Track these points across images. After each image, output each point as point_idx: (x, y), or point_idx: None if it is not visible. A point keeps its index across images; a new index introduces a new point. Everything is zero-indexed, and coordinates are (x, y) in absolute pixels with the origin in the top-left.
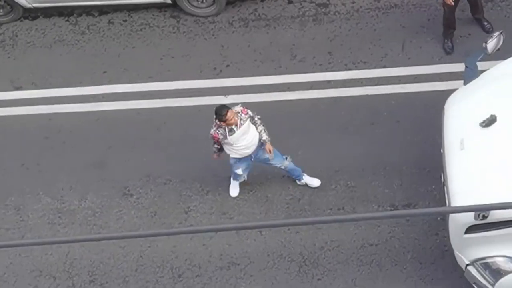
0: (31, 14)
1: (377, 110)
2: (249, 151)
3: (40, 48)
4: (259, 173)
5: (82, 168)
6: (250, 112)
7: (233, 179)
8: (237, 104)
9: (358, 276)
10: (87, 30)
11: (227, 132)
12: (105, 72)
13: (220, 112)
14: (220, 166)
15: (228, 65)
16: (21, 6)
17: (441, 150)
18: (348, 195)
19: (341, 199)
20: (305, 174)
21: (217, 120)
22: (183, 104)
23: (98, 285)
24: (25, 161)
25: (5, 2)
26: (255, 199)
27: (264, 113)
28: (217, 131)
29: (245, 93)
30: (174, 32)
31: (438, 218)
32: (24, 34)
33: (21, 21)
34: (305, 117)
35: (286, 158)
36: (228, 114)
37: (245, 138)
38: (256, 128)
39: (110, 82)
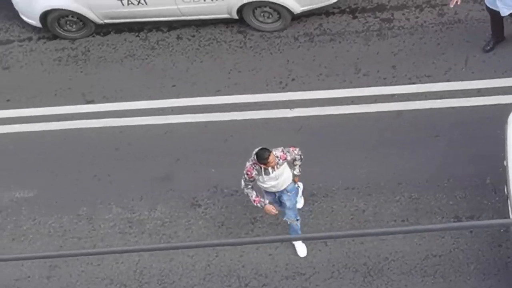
0: (103, 30)
1: (441, 123)
2: (274, 190)
3: (111, 63)
4: (324, 185)
5: (152, 179)
6: (289, 156)
7: (293, 232)
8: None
9: (422, 286)
10: (157, 45)
11: (262, 171)
12: (174, 86)
13: (262, 156)
14: None
15: (293, 79)
16: (93, 23)
17: (505, 163)
18: (412, 207)
19: (405, 210)
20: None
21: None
22: (249, 117)
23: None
24: (96, 172)
25: (77, 18)
26: (320, 210)
27: (329, 127)
28: (253, 166)
29: (310, 106)
30: (241, 47)
31: (502, 230)
32: (96, 49)
33: (93, 36)
34: (370, 130)
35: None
36: (270, 158)
37: (276, 180)
38: (293, 166)
39: (178, 96)
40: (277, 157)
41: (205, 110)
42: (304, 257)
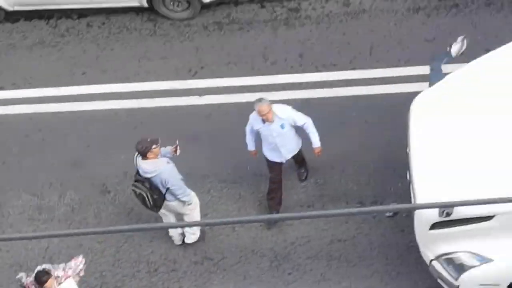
0: (12, 17)
1: (347, 110)
2: None
3: (21, 50)
4: (232, 172)
5: (62, 166)
6: (71, 273)
7: None
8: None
9: (327, 270)
10: (67, 32)
11: None
12: (84, 73)
13: (39, 279)
14: (194, 164)
15: (202, 67)
16: (3, 9)
17: (407, 150)
18: (318, 193)
19: (311, 196)
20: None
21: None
22: (160, 105)
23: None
24: (5, 159)
25: None
26: (228, 196)
27: (238, 113)
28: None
29: (219, 93)
30: (151, 35)
31: (404, 215)
32: (5, 37)
33: (3, 24)
34: None
35: None
36: (47, 283)
37: None
38: None
39: (89, 83)
40: (57, 277)
41: (115, 97)
42: (212, 242)
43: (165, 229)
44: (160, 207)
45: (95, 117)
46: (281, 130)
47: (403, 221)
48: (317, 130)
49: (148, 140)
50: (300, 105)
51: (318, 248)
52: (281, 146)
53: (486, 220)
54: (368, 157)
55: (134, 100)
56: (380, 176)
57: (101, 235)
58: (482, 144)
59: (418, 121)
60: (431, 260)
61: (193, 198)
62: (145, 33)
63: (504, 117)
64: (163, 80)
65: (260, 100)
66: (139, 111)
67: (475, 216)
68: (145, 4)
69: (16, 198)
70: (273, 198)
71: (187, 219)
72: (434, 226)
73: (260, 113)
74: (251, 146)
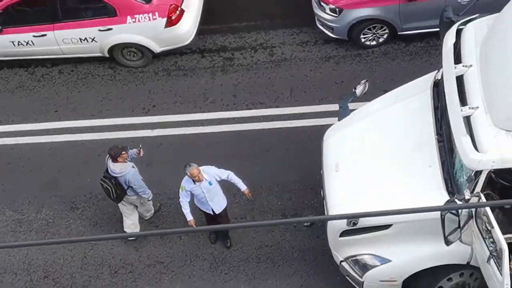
0: None
1: (272, 140)
2: None
3: (4, 93)
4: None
5: (38, 187)
6: None
7: None
8: (164, 135)
9: (256, 271)
10: (42, 78)
11: None
12: (56, 111)
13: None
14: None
15: (154, 106)
16: None
17: (321, 172)
18: (249, 207)
19: (244, 210)
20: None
21: None
22: (119, 136)
23: (50, 280)
24: None
25: None
26: (173, 213)
27: (183, 143)
28: None
29: (168, 127)
30: (112, 80)
31: (319, 225)
32: None
33: None
34: (216, 146)
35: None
36: None
37: None
38: None
39: (60, 119)
40: None
41: (82, 131)
42: (162, 248)
43: (122, 238)
44: (121, 199)
45: (65, 147)
46: (210, 187)
47: (318, 229)
48: (248, 156)
49: (119, 147)
50: (234, 136)
51: (249, 252)
52: (210, 201)
53: (385, 228)
54: (290, 178)
55: (97, 133)
56: (299, 193)
57: (71, 244)
58: (380, 167)
59: (329, 148)
60: (341, 261)
61: (150, 195)
62: (106, 78)
63: (396, 143)
64: (121, 116)
65: (189, 165)
66: (101, 142)
67: (376, 225)
68: (107, 55)
69: (1, 214)
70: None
71: (140, 209)
72: (343, 233)
73: (192, 176)
74: (189, 216)
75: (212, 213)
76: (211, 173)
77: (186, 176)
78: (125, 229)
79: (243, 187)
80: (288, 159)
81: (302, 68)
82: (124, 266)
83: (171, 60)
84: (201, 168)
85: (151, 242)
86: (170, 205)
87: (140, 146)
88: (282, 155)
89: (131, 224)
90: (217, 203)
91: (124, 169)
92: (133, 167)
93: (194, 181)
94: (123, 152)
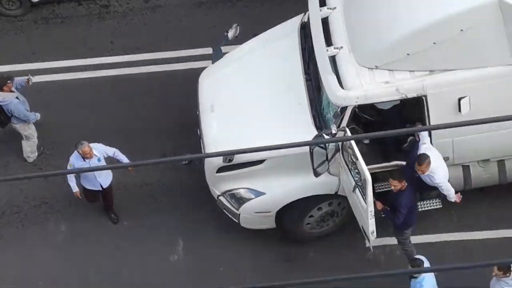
0: None
1: (149, 84)
2: None
3: None
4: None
5: None
6: None
7: None
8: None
9: (139, 207)
10: None
11: None
12: None
13: None
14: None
15: (34, 53)
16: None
17: (197, 112)
18: (129, 148)
19: (124, 152)
20: None
21: None
22: None
23: None
24: None
25: None
26: (58, 154)
27: (62, 89)
28: None
29: (48, 73)
30: None
31: (197, 162)
32: None
33: None
34: (95, 91)
35: None
36: None
37: None
38: None
39: None
40: None
41: None
42: (49, 189)
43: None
44: (5, 125)
45: None
46: (98, 163)
47: (196, 167)
48: (126, 100)
49: (4, 76)
50: (113, 81)
51: (133, 190)
52: (99, 177)
53: (259, 164)
54: (168, 119)
55: None
56: (177, 133)
57: None
58: (252, 106)
59: (204, 90)
60: (218, 196)
61: (36, 117)
62: None
63: (267, 83)
64: (1, 64)
65: (81, 143)
66: None
67: (250, 161)
68: None
69: None
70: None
71: (24, 144)
72: (220, 170)
73: (84, 154)
74: (75, 188)
75: (100, 189)
76: (100, 150)
77: (76, 153)
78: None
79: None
80: (165, 101)
81: (176, 13)
82: (11, 207)
83: (49, 9)
84: (90, 145)
85: (37, 184)
86: (53, 148)
87: (29, 75)
88: (160, 97)
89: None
90: (105, 178)
91: (6, 99)
92: (17, 98)
93: (84, 158)
94: (8, 82)
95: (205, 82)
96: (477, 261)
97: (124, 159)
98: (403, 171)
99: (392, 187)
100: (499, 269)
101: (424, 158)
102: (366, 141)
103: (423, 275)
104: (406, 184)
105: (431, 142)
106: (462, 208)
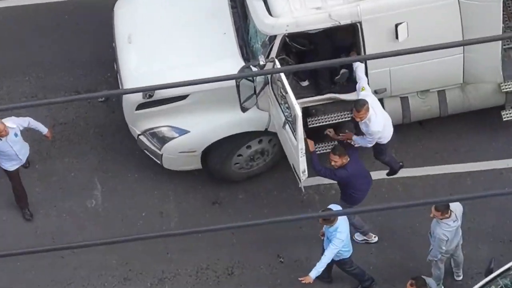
0: None
1: (60, 15)
2: None
3: None
4: None
5: None
6: None
7: None
8: None
9: (52, 149)
10: None
11: None
12: None
13: None
14: None
15: None
16: None
17: (113, 44)
18: (41, 85)
19: (35, 89)
20: None
21: None
22: None
23: None
24: None
25: None
26: None
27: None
28: None
29: None
30: None
31: (114, 99)
32: None
33: None
34: (3, 24)
35: None
36: None
37: None
38: None
39: None
40: None
41: None
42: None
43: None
44: None
45: None
46: (16, 139)
47: (114, 104)
48: (37, 34)
49: None
50: (22, 13)
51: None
52: (19, 152)
53: (182, 99)
54: (82, 53)
55: None
56: (92, 68)
57: None
58: (174, 36)
59: (120, 19)
60: (139, 135)
61: None
62: None
63: (189, 11)
64: None
65: None
66: None
67: (172, 96)
68: None
69: None
70: (22, 200)
71: None
72: (139, 106)
73: None
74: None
75: (18, 169)
76: (15, 123)
77: None
78: None
79: (44, 130)
80: (79, 34)
81: None
82: None
83: None
84: (3, 120)
85: None
86: None
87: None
88: (73, 30)
89: None
90: (25, 153)
91: None
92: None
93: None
94: None
95: (122, 10)
96: (416, 200)
97: (40, 126)
98: (347, 147)
99: (332, 163)
100: (436, 209)
101: (362, 103)
102: (298, 73)
103: (338, 221)
104: (349, 159)
105: (366, 72)
106: (399, 142)
